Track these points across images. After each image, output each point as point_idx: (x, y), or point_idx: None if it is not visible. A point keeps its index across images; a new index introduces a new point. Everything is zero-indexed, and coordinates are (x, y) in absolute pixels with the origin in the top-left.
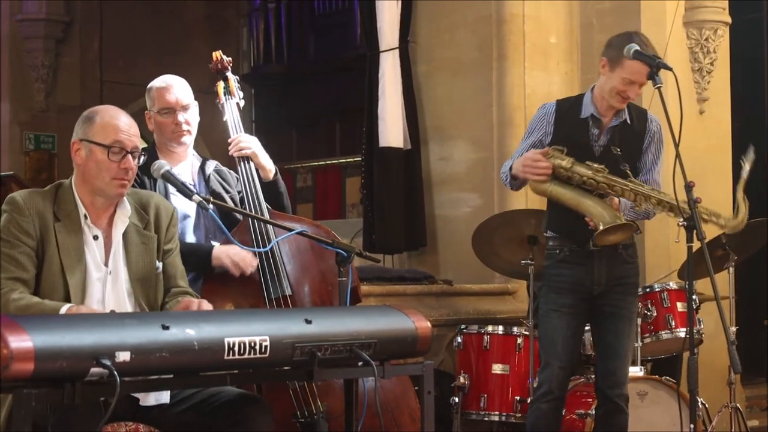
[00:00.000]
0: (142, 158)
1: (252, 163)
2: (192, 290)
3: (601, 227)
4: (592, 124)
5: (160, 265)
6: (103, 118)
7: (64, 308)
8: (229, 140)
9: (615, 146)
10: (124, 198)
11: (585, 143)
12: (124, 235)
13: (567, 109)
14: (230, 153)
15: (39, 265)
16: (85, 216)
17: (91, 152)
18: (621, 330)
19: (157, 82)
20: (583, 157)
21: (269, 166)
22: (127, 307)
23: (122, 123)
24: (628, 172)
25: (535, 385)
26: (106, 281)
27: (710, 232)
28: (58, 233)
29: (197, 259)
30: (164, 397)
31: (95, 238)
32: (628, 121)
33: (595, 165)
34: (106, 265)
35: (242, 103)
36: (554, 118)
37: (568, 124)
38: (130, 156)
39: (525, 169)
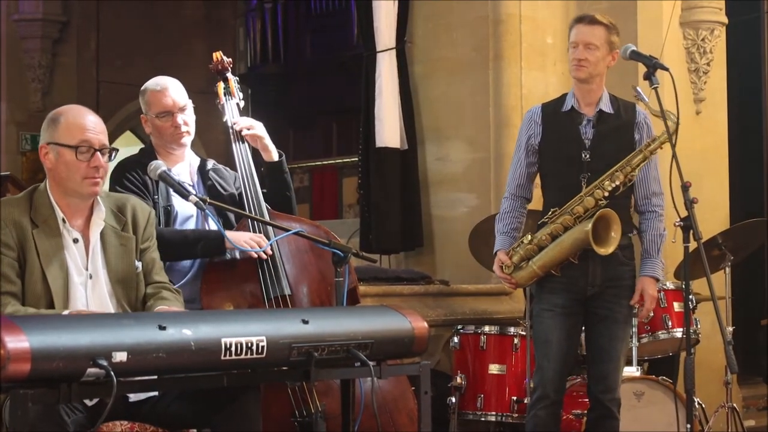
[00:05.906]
0: (114, 154)
1: (249, 150)
2: (169, 284)
3: (591, 242)
4: (575, 116)
5: (139, 264)
6: (67, 118)
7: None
8: (234, 122)
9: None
10: (99, 200)
11: (576, 136)
12: (102, 237)
13: (552, 108)
14: (236, 128)
15: (21, 273)
16: (64, 220)
17: (59, 155)
18: (614, 333)
19: (151, 85)
20: (575, 152)
21: (273, 149)
22: (110, 308)
23: (88, 121)
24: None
25: (531, 387)
26: (87, 284)
27: (707, 232)
28: (37, 240)
29: (206, 244)
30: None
31: (75, 241)
32: (612, 111)
33: (547, 216)
34: (86, 268)
35: (242, 103)
36: (541, 117)
37: (554, 120)
38: (98, 154)
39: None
